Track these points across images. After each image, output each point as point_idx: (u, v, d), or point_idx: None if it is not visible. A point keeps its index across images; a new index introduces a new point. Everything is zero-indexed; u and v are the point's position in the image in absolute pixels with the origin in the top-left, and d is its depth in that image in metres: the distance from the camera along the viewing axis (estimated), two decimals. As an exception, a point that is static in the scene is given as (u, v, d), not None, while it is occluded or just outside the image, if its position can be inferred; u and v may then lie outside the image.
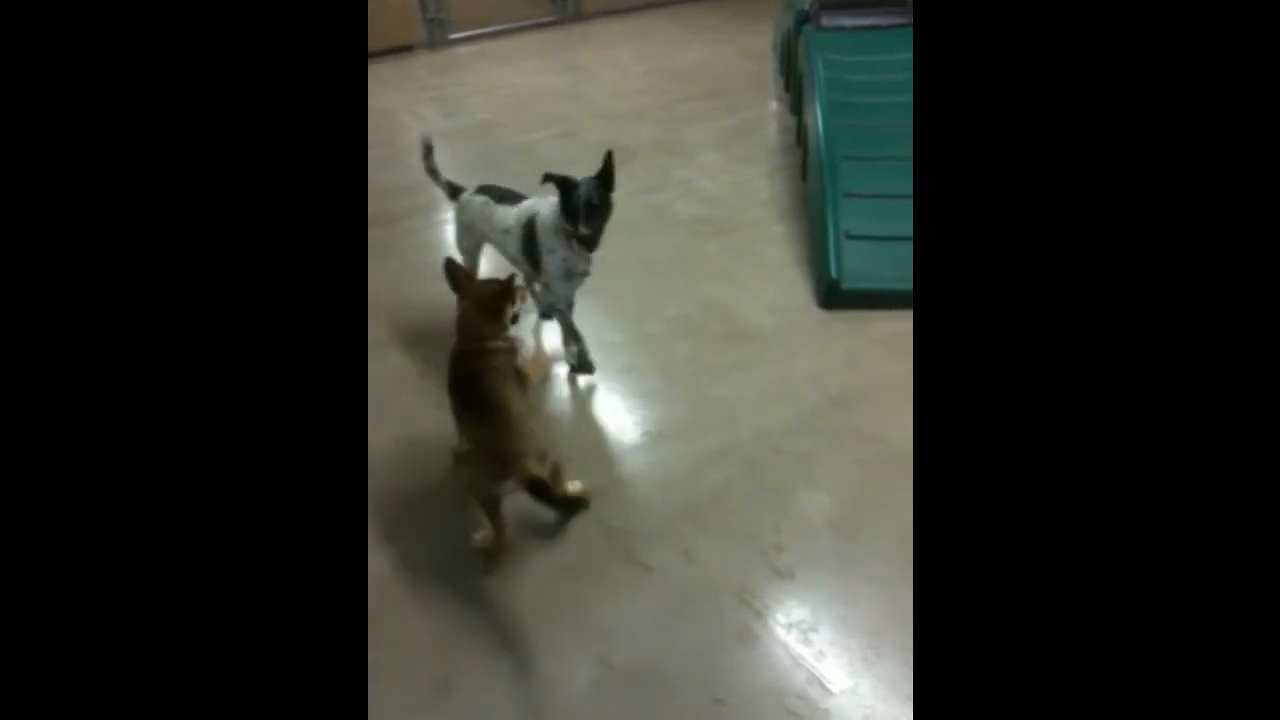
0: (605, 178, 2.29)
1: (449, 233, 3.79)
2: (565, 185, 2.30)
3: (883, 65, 3.89)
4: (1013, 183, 0.79)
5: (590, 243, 2.30)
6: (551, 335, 2.86)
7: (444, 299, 3.26)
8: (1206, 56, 0.73)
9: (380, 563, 2.04)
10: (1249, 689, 0.67)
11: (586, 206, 2.25)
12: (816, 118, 3.55)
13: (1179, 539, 0.71)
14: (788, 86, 4.85)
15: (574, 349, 2.62)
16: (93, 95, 0.76)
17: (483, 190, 2.68)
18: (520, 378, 2.08)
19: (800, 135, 4.02)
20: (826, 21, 4.43)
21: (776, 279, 3.14)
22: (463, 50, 6.74)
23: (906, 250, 2.26)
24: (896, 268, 2.74)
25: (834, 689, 1.68)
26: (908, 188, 2.43)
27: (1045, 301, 0.77)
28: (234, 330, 0.79)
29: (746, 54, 5.89)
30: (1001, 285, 0.78)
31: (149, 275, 0.76)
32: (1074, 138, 0.77)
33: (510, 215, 2.53)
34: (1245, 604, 0.69)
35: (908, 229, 1.89)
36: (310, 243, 0.83)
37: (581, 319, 2.65)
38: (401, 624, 1.89)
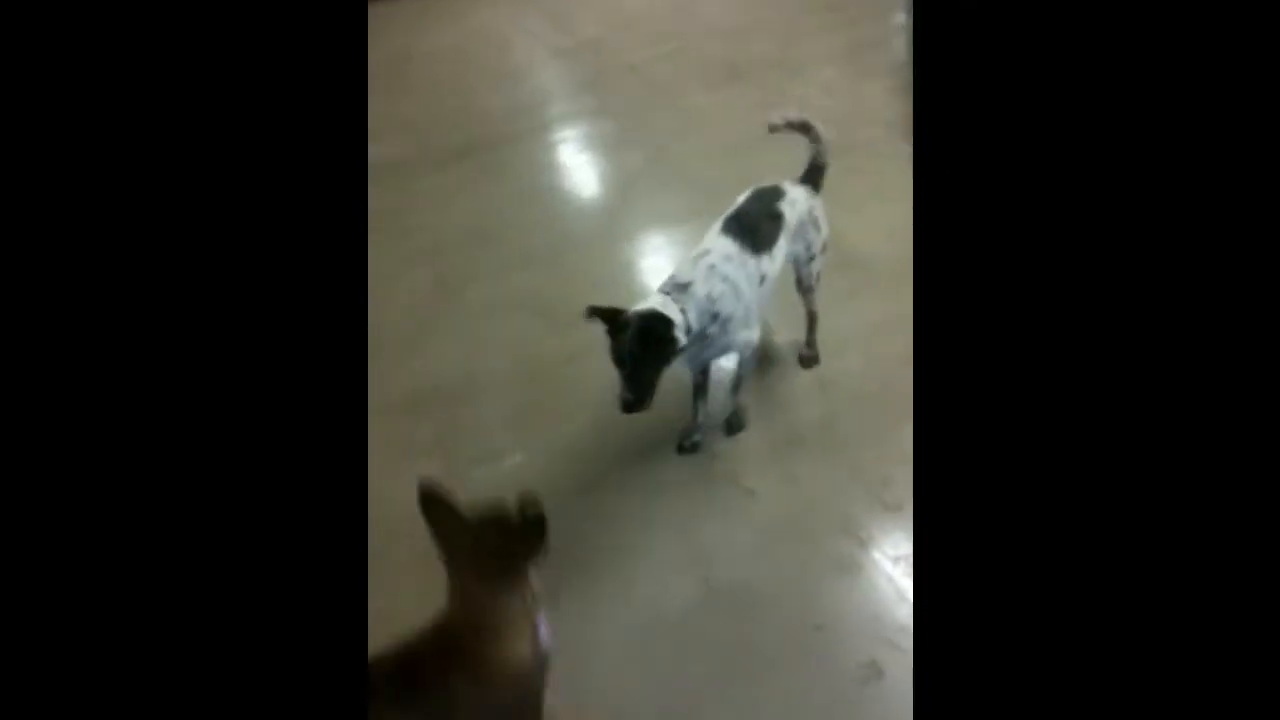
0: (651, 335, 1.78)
1: (561, 153, 3.80)
2: (615, 324, 1.80)
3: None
4: (1018, 176, 0.76)
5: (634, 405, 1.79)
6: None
7: (558, 220, 3.34)
8: (1208, 55, 0.70)
9: (482, 472, 2.14)
10: (1249, 696, 0.66)
11: (630, 359, 1.77)
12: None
13: (1179, 541, 0.69)
14: (916, -6, 4.52)
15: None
16: (92, 90, 0.73)
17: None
18: None
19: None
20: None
21: (895, 203, 2.99)
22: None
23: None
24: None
25: (937, 623, 1.66)
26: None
27: (1045, 299, 0.75)
28: (227, 331, 0.76)
29: (871, -40, 5.50)
30: (1005, 278, 0.77)
31: (145, 272, 0.74)
32: (1074, 135, 0.74)
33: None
34: (1246, 613, 0.67)
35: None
36: (306, 242, 0.79)
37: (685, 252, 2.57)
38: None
